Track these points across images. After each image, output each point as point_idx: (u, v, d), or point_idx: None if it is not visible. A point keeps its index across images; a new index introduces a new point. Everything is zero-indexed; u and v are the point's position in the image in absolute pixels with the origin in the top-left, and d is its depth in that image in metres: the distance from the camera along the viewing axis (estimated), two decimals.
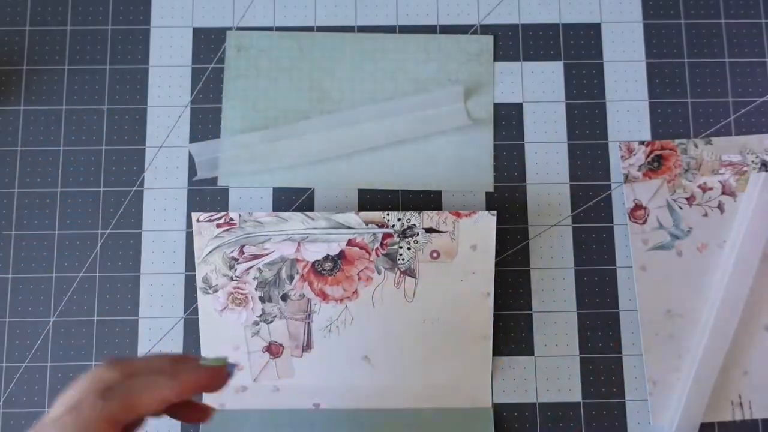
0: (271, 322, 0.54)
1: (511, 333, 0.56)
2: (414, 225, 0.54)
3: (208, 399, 0.53)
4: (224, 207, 0.58)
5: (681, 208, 0.57)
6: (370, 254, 0.54)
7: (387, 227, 0.54)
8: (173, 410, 0.37)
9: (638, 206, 0.57)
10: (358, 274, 0.54)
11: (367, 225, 0.54)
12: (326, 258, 0.54)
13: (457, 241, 0.54)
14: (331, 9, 0.61)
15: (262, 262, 0.54)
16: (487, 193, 0.58)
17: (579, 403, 0.55)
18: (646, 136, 0.58)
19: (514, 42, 0.60)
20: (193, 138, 0.59)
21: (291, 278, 0.54)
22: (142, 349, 0.56)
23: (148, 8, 0.61)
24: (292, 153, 0.57)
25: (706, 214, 0.56)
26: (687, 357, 0.55)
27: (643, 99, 0.59)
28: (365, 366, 0.54)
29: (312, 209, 0.57)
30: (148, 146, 0.59)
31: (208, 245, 0.54)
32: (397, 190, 0.58)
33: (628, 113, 0.59)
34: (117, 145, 0.58)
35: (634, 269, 0.56)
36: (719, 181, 0.57)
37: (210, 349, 0.54)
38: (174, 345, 0.56)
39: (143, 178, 0.58)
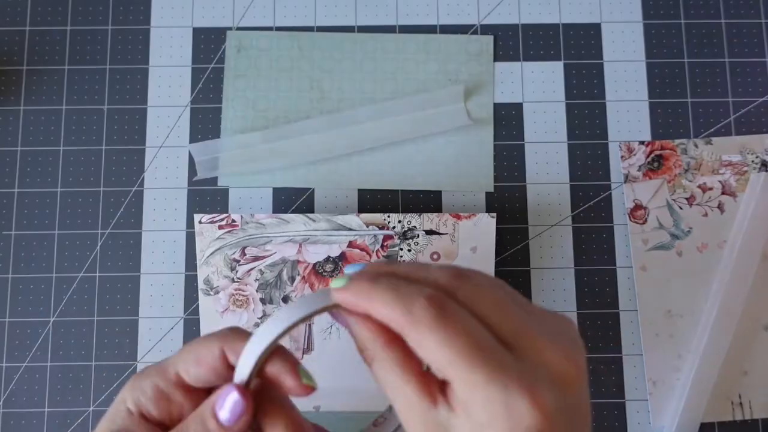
0: None
1: None
2: (414, 227, 0.54)
3: None
4: (224, 207, 0.58)
5: (681, 208, 0.57)
6: (370, 256, 0.54)
7: (388, 229, 0.54)
8: None
9: (638, 206, 0.57)
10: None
11: (367, 227, 0.54)
12: (327, 259, 0.54)
13: (457, 243, 0.54)
14: (331, 9, 0.61)
15: (263, 263, 0.54)
16: (487, 193, 0.58)
17: None
18: (646, 136, 0.58)
19: (514, 42, 0.60)
20: (193, 138, 0.59)
21: (292, 280, 0.54)
22: (142, 349, 0.56)
23: (148, 8, 0.60)
24: (292, 153, 0.57)
25: (706, 214, 0.57)
26: (687, 357, 0.55)
27: (643, 99, 0.59)
28: (366, 368, 0.54)
29: (312, 209, 0.57)
30: (148, 146, 0.58)
31: (210, 247, 0.54)
32: (397, 190, 0.58)
33: (628, 113, 0.59)
34: (117, 145, 0.58)
35: (634, 269, 0.56)
36: (719, 181, 0.57)
37: None
38: (174, 345, 0.56)
39: (143, 178, 0.58)
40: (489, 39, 0.60)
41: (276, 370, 0.34)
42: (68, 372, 0.55)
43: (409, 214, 0.54)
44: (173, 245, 0.57)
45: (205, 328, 0.55)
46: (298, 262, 0.54)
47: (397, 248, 0.54)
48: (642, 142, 0.58)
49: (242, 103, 0.59)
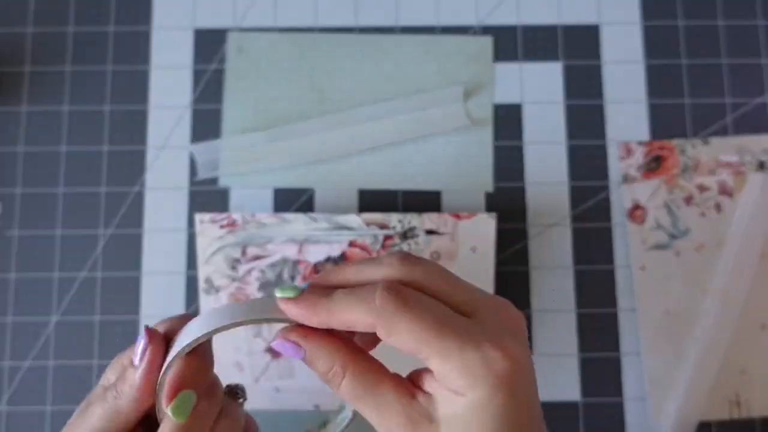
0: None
1: None
2: (415, 227, 0.54)
3: None
4: (225, 207, 0.58)
5: (679, 208, 0.57)
6: (371, 255, 0.54)
7: (388, 229, 0.54)
8: None
9: (637, 206, 0.57)
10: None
11: (368, 226, 0.54)
12: (328, 259, 0.54)
13: (457, 242, 0.54)
14: (331, 10, 0.61)
15: (264, 263, 0.54)
16: (487, 193, 0.58)
17: (578, 402, 0.55)
18: (645, 136, 0.59)
19: (514, 42, 0.60)
20: (194, 138, 0.59)
21: (293, 279, 0.54)
22: None
23: (150, 9, 0.61)
24: (292, 153, 0.58)
25: (703, 215, 0.57)
26: (685, 356, 0.55)
27: (642, 100, 0.59)
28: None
29: (312, 209, 0.57)
30: (150, 147, 0.59)
31: (211, 246, 0.54)
32: (397, 190, 0.58)
33: (626, 113, 0.59)
34: (118, 146, 0.59)
35: (632, 269, 0.56)
36: (717, 182, 0.57)
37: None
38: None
39: (144, 178, 0.58)
40: (488, 39, 0.60)
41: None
42: (70, 371, 0.56)
43: (410, 214, 0.54)
44: (174, 245, 0.57)
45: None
46: (299, 261, 0.54)
47: (397, 248, 0.54)
48: (640, 143, 0.58)
49: (243, 104, 0.59)
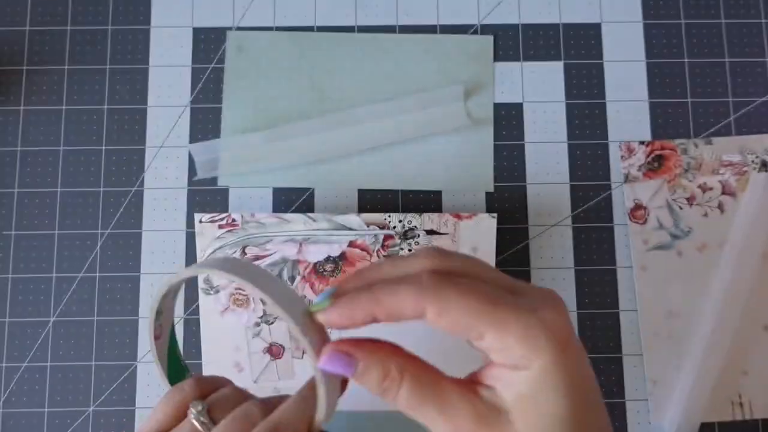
0: (272, 323, 0.54)
1: None
2: (415, 227, 0.54)
3: None
4: (224, 207, 0.58)
5: (681, 208, 0.57)
6: (371, 256, 0.54)
7: (388, 229, 0.54)
8: None
9: (638, 206, 0.57)
10: None
11: (368, 226, 0.54)
12: (327, 259, 0.54)
13: (458, 243, 0.54)
14: (331, 9, 0.61)
15: (263, 263, 0.54)
16: (487, 193, 0.58)
17: None
18: (646, 136, 0.58)
19: (514, 42, 0.60)
20: (193, 138, 0.59)
21: (292, 279, 0.54)
22: (142, 349, 0.56)
23: (148, 8, 0.60)
24: (292, 153, 0.57)
25: (706, 214, 0.57)
26: (687, 357, 0.55)
27: (643, 99, 0.59)
28: None
29: (312, 209, 0.57)
30: (148, 146, 0.58)
31: (210, 246, 0.54)
32: (397, 190, 0.58)
33: (628, 113, 0.59)
34: (117, 145, 0.58)
35: (634, 269, 0.56)
36: (719, 181, 0.57)
37: (210, 350, 0.54)
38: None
39: (143, 178, 0.58)
40: (489, 39, 0.60)
41: None
42: (68, 372, 0.55)
43: (410, 214, 0.54)
44: (173, 245, 0.57)
45: (206, 327, 0.55)
46: (299, 261, 0.54)
47: (397, 248, 0.54)
48: (642, 142, 0.58)
49: (242, 103, 0.59)
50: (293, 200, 0.57)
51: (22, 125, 0.59)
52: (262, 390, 0.54)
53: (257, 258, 0.54)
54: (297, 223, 0.54)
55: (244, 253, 0.54)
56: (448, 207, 0.57)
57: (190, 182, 0.58)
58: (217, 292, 0.54)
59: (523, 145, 0.58)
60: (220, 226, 0.54)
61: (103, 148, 0.58)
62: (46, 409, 0.55)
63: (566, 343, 0.28)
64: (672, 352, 0.55)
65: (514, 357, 0.28)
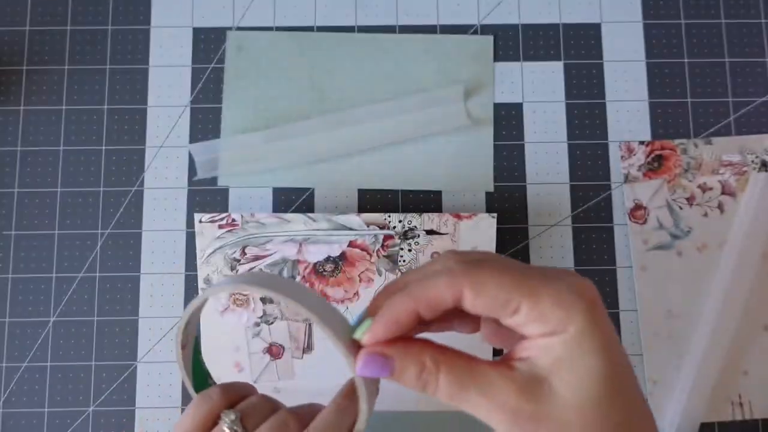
0: (272, 323, 0.54)
1: None
2: (415, 227, 0.54)
3: None
4: (224, 207, 0.58)
5: (681, 208, 0.57)
6: (371, 256, 0.54)
7: (388, 229, 0.54)
8: None
9: (638, 206, 0.57)
10: (359, 276, 0.54)
11: (368, 226, 0.54)
12: (327, 259, 0.54)
13: (458, 243, 0.54)
14: (331, 9, 0.61)
15: (263, 263, 0.54)
16: (487, 193, 0.58)
17: None
18: (646, 136, 0.58)
19: (514, 42, 0.60)
20: (193, 138, 0.59)
21: (292, 279, 0.54)
22: (142, 349, 0.56)
23: (148, 8, 0.60)
24: (292, 153, 0.57)
25: (706, 214, 0.57)
26: (687, 357, 0.55)
27: (643, 99, 0.59)
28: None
29: (312, 209, 0.57)
30: (148, 146, 0.58)
31: (210, 246, 0.54)
32: (397, 190, 0.58)
33: (628, 113, 0.59)
34: (117, 145, 0.58)
35: (634, 269, 0.56)
36: (719, 181, 0.57)
37: (211, 350, 0.54)
38: (174, 345, 0.56)
39: (143, 178, 0.58)
40: (489, 39, 0.60)
41: None
42: (68, 372, 0.55)
43: (410, 214, 0.54)
44: (173, 245, 0.57)
45: (206, 327, 0.55)
46: (299, 261, 0.54)
47: (397, 248, 0.54)
48: (642, 142, 0.58)
49: (242, 103, 0.59)
50: (293, 200, 0.57)
51: (22, 125, 0.59)
52: (262, 390, 0.54)
53: (257, 258, 0.54)
54: (297, 223, 0.54)
55: (243, 253, 0.54)
56: (448, 207, 0.57)
57: (190, 182, 0.58)
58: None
59: (523, 145, 0.58)
60: (220, 226, 0.54)
61: (104, 148, 0.58)
62: (46, 409, 0.55)
63: (596, 304, 0.29)
64: (672, 352, 0.55)
65: (551, 322, 0.29)
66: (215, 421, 0.36)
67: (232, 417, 0.35)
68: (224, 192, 0.58)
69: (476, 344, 0.35)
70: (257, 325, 0.54)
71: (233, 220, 0.54)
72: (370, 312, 0.31)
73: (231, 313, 0.54)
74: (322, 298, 0.33)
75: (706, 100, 0.59)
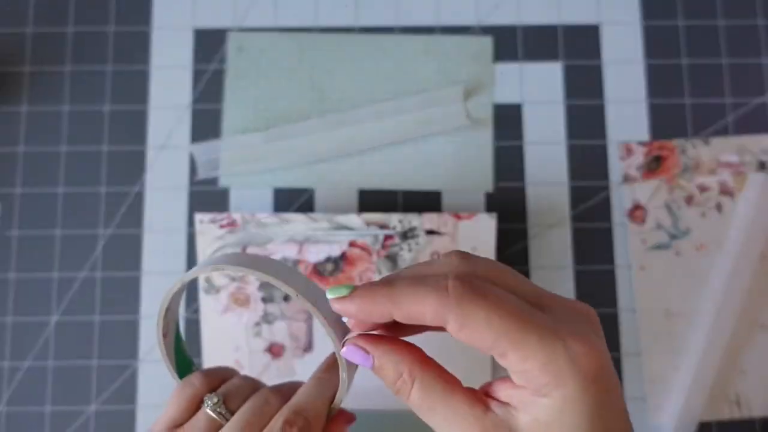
0: (273, 322, 0.55)
1: None
2: (415, 227, 0.54)
3: None
4: (225, 207, 0.58)
5: (679, 208, 0.57)
6: (371, 255, 0.54)
7: (388, 229, 0.54)
8: None
9: (637, 206, 0.57)
10: (359, 276, 0.54)
11: (368, 226, 0.54)
12: (328, 259, 0.54)
13: (458, 242, 0.54)
14: (331, 9, 0.61)
15: None
16: (487, 193, 0.58)
17: None
18: (645, 136, 0.59)
19: (514, 42, 0.60)
20: (194, 138, 0.59)
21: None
22: (143, 349, 0.56)
23: (149, 9, 0.61)
24: (292, 153, 0.58)
25: (704, 215, 0.57)
26: (685, 356, 0.55)
27: (642, 99, 0.59)
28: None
29: (312, 209, 0.57)
30: (149, 147, 0.59)
31: (211, 246, 0.54)
32: (397, 190, 0.58)
33: (627, 113, 0.59)
34: (118, 146, 0.59)
35: (632, 269, 0.56)
36: (717, 182, 0.57)
37: (211, 350, 0.55)
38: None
39: (144, 178, 0.58)
40: (488, 39, 0.60)
41: None
42: (70, 371, 0.56)
43: (410, 214, 0.54)
44: (174, 245, 0.57)
45: (206, 326, 0.55)
46: (299, 261, 0.54)
47: (397, 248, 0.54)
48: (641, 143, 0.58)
49: (243, 104, 0.59)
50: (293, 200, 0.58)
51: (24, 126, 0.59)
52: None
53: None
54: (297, 223, 0.54)
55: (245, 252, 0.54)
56: (448, 206, 0.57)
57: (191, 182, 0.58)
58: (218, 291, 0.54)
59: (522, 146, 0.59)
60: (221, 226, 0.54)
61: (105, 148, 0.59)
62: (47, 409, 0.55)
63: (595, 376, 0.27)
64: (670, 351, 0.55)
65: (536, 383, 0.27)
66: (199, 406, 0.36)
67: (215, 400, 0.36)
68: (225, 192, 0.58)
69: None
70: (258, 324, 0.55)
71: (234, 220, 0.54)
72: (357, 288, 0.30)
73: (231, 313, 0.55)
74: (303, 276, 0.33)
75: (705, 100, 0.59)
